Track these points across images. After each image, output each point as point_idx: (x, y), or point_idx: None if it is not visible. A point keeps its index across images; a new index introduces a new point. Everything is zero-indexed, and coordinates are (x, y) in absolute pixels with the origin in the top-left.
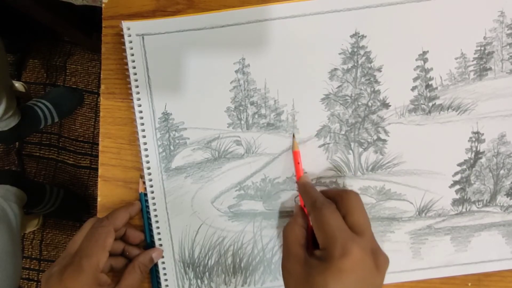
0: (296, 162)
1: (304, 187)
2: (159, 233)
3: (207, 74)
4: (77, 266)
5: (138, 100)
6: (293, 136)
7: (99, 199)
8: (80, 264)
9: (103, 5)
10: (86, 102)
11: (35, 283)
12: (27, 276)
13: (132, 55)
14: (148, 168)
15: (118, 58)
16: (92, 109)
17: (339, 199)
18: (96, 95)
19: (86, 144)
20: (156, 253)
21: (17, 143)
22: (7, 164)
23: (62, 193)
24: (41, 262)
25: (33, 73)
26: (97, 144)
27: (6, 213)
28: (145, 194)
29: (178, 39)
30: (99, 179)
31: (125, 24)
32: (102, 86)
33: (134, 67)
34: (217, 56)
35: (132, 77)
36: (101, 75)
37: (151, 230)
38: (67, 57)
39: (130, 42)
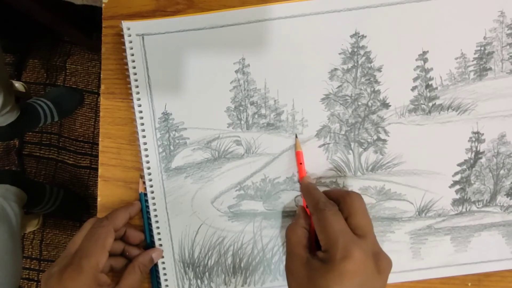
0: (299, 163)
1: (306, 188)
2: (159, 233)
3: (207, 74)
4: (77, 266)
5: (138, 100)
6: (296, 136)
7: (99, 199)
8: (80, 264)
9: (103, 5)
10: (86, 102)
11: (35, 283)
12: (27, 276)
13: (132, 55)
14: (148, 168)
15: (118, 58)
16: (92, 109)
17: (342, 201)
18: (96, 95)
19: (86, 144)
20: (156, 253)
21: (17, 142)
22: (7, 164)
23: (62, 193)
24: (41, 262)
25: (33, 73)
26: (97, 144)
27: (6, 213)
28: (145, 194)
29: (178, 39)
30: (99, 179)
31: (125, 24)
32: (102, 86)
33: (134, 67)
34: (217, 56)
35: (132, 77)
36: (101, 75)
37: (151, 230)
38: (67, 57)
39: (130, 42)
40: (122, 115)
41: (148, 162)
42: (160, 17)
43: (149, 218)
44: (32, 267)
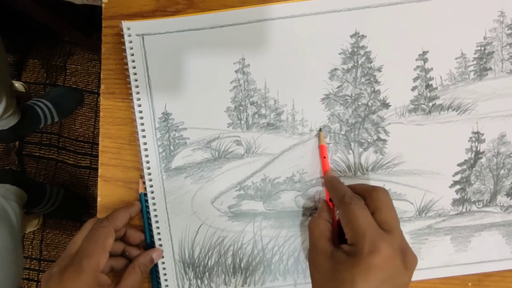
0: (322, 156)
1: (331, 182)
2: (159, 233)
3: (207, 74)
4: (77, 266)
5: (138, 100)
6: (320, 130)
7: (99, 199)
8: (80, 265)
9: (103, 5)
10: (86, 102)
11: (35, 283)
12: (27, 276)
13: (132, 55)
14: (148, 168)
15: (118, 58)
16: (92, 109)
17: (367, 195)
18: (96, 95)
19: (86, 144)
20: (156, 253)
21: (17, 142)
22: (7, 164)
23: (62, 193)
24: (41, 262)
25: (33, 73)
26: (97, 144)
27: (7, 212)
28: (145, 195)
29: (178, 39)
30: (99, 179)
31: (125, 24)
32: (102, 86)
33: (134, 67)
34: (217, 56)
35: (132, 77)
36: (101, 75)
37: (151, 231)
38: (67, 57)
39: (130, 42)
40: (122, 115)
41: (148, 162)
42: (160, 17)
43: (149, 218)
44: (32, 267)
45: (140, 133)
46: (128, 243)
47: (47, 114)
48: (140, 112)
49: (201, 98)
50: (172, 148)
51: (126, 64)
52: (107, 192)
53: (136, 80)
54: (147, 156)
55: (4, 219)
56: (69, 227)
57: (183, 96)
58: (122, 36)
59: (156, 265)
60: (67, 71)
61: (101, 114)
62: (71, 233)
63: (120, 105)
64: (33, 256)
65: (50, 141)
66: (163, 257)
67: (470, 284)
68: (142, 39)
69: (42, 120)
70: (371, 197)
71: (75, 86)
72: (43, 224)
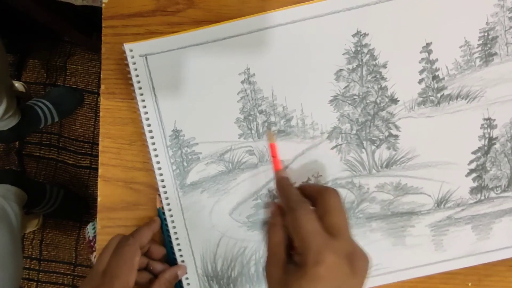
0: (272, 155)
1: (280, 183)
2: (180, 250)
3: (214, 87)
4: (109, 286)
5: (147, 120)
6: (269, 129)
7: (99, 199)
8: (112, 284)
9: (103, 5)
10: (86, 102)
11: (35, 283)
12: (27, 276)
13: (137, 76)
14: (164, 187)
15: (118, 58)
16: (92, 109)
17: (318, 197)
18: (96, 95)
19: (86, 144)
20: (181, 270)
21: (17, 143)
22: (7, 164)
23: (62, 193)
24: (41, 262)
25: (33, 73)
26: (97, 144)
27: (7, 213)
28: (163, 213)
29: (180, 56)
30: (99, 179)
31: (127, 46)
32: (102, 86)
33: (140, 88)
34: (221, 68)
35: (139, 97)
36: (101, 75)
37: (171, 248)
38: (67, 57)
39: (134, 63)
40: (122, 115)
41: (162, 180)
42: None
43: (169, 236)
44: (32, 267)
45: (152, 153)
46: (151, 258)
47: (47, 114)
48: (150, 131)
49: (210, 112)
50: (185, 164)
51: (131, 79)
52: (107, 192)
53: (143, 101)
54: (161, 174)
55: (4, 219)
56: (69, 227)
57: (191, 112)
58: (122, 35)
59: (180, 280)
60: (67, 71)
61: (101, 114)
62: (71, 233)
63: (120, 105)
64: (33, 256)
65: (50, 141)
66: (186, 272)
67: (470, 284)
68: (146, 60)
69: (42, 120)
70: (322, 199)
71: (75, 86)
72: (43, 224)
